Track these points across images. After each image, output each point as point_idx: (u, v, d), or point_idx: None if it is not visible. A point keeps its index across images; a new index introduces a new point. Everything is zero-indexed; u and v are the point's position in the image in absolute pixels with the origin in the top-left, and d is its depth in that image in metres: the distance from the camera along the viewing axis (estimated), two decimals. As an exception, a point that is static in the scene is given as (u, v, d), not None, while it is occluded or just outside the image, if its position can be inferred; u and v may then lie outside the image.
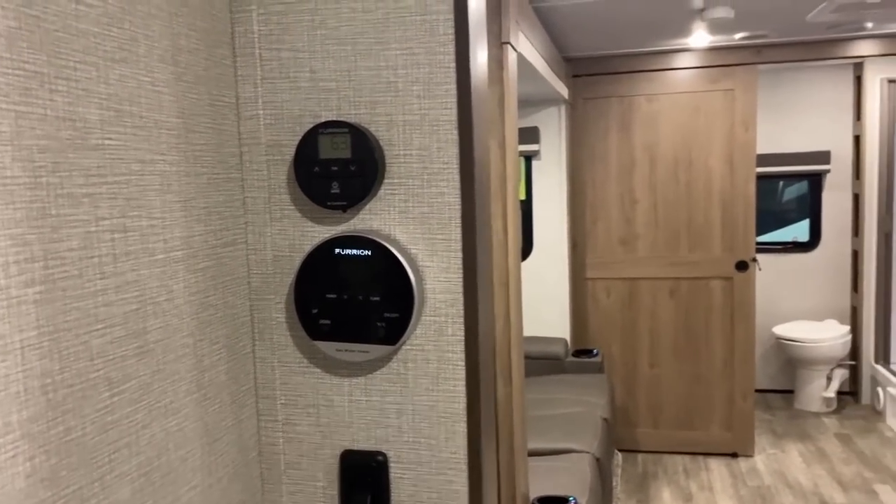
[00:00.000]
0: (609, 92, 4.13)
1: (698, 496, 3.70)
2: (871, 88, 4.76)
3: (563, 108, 4.01)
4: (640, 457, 4.21)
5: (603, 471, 2.95)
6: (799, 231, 5.36)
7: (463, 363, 0.91)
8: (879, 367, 4.78)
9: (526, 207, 4.14)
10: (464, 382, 0.91)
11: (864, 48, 3.76)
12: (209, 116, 0.86)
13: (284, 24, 0.89)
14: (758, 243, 5.23)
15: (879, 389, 4.71)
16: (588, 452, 2.88)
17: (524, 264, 4.12)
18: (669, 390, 4.22)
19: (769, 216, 6.43)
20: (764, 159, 4.98)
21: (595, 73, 4.10)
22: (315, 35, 0.88)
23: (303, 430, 0.96)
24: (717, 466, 4.03)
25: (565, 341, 4.06)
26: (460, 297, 0.90)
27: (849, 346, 4.82)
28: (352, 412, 0.95)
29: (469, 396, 0.91)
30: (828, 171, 5.05)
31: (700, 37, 3.55)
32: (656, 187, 4.14)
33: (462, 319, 0.90)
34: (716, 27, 3.33)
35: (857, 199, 4.98)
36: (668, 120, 4.08)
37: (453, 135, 0.87)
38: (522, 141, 4.02)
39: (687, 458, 4.17)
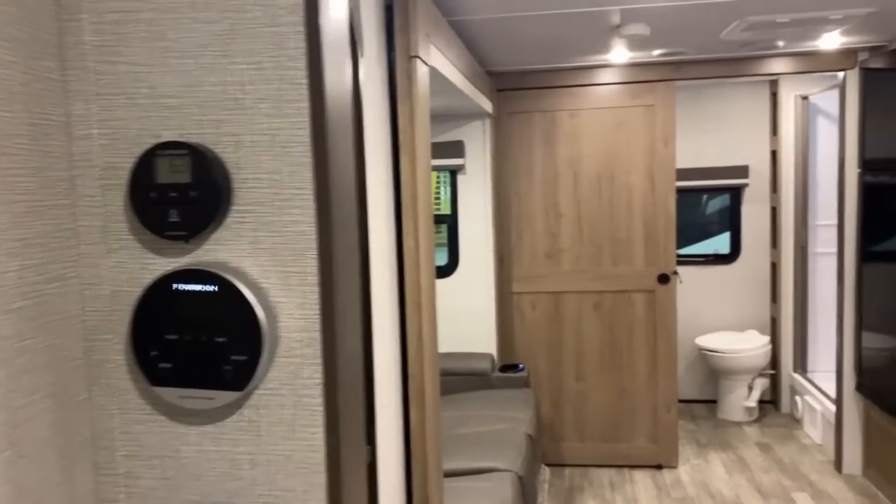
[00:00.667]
0: (533, 107, 4.14)
1: (623, 510, 3.71)
2: (785, 105, 4.92)
3: (487, 122, 3.99)
4: (567, 471, 4.20)
5: (526, 489, 2.92)
6: (720, 243, 5.49)
7: (322, 409, 0.84)
8: (797, 376, 4.91)
9: (452, 222, 4.11)
10: (323, 430, 0.84)
11: (777, 66, 3.87)
12: (28, 136, 0.77)
13: (120, 34, 0.81)
14: (681, 256, 5.34)
15: (797, 398, 4.83)
16: (511, 471, 2.83)
17: (450, 280, 4.09)
18: (595, 404, 4.23)
19: (694, 228, 6.58)
20: (686, 174, 5.08)
21: (519, 88, 4.10)
22: (154, 47, 0.80)
23: (147, 484, 0.88)
24: (641, 479, 4.06)
25: (492, 356, 4.03)
26: (318, 337, 0.82)
27: (769, 355, 4.94)
28: (201, 463, 0.86)
29: (329, 445, 0.83)
30: (746, 185, 5.18)
31: (619, 53, 3.59)
32: (580, 202, 4.16)
33: (320, 361, 0.82)
34: (634, 44, 3.37)
35: (774, 213, 5.13)
36: (591, 135, 4.12)
37: (307, 157, 0.79)
38: (447, 155, 3.99)
39: (613, 470, 4.18)
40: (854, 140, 3.82)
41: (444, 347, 4.13)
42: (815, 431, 4.47)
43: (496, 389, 3.85)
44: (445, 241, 4.18)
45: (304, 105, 0.78)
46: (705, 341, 4.98)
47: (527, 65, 3.92)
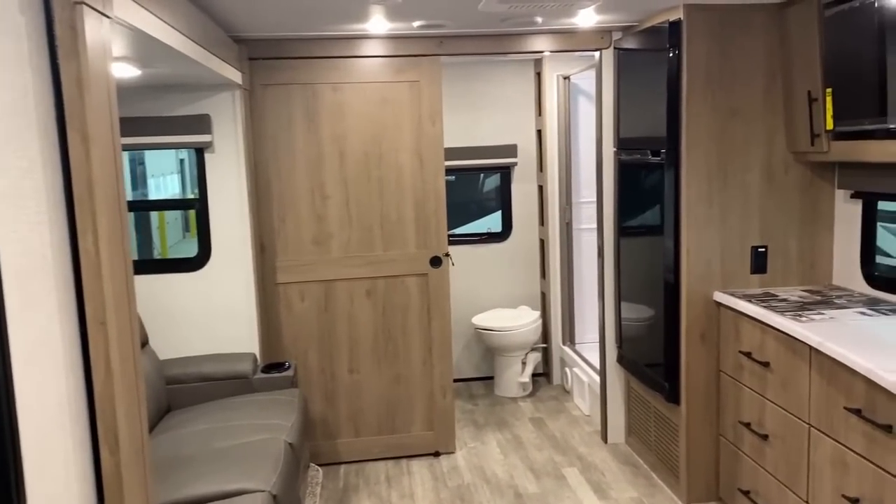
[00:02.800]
0: (291, 78, 3.77)
1: (400, 506, 3.54)
2: (549, 84, 4.98)
3: (237, 94, 3.56)
4: (342, 469, 3.95)
5: (285, 507, 2.61)
6: (494, 222, 5.51)
7: None
8: (566, 349, 5.06)
9: (200, 207, 3.64)
10: None
11: (538, 44, 3.84)
12: None
13: None
14: (455, 236, 5.28)
15: (567, 370, 4.98)
16: (264, 491, 2.51)
17: (201, 273, 3.64)
18: (370, 395, 4.01)
19: (472, 207, 6.60)
20: (458, 152, 5.00)
21: (274, 57, 3.71)
22: None
23: None
24: (419, 469, 3.91)
25: (254, 356, 3.65)
26: None
27: (539, 330, 5.04)
28: None
29: None
30: (515, 164, 5.22)
31: (378, 22, 3.33)
32: (348, 182, 3.88)
33: None
34: (392, 13, 3.13)
35: (541, 191, 5.21)
36: (356, 111, 3.84)
37: None
38: (190, 131, 3.52)
39: (391, 463, 4.00)
40: (610, 119, 3.91)
41: (198, 350, 3.69)
42: (584, 403, 4.62)
43: (259, 393, 3.49)
44: (191, 229, 3.71)
45: None
46: (480, 320, 4.96)
47: (280, 31, 3.54)
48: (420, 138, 3.89)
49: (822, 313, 2.82)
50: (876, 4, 2.64)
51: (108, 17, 1.57)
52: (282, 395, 3.41)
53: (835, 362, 2.42)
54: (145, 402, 1.70)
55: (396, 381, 4.03)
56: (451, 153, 4.80)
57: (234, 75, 3.37)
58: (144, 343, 3.40)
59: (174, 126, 3.52)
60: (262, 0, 2.80)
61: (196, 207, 3.66)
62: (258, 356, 3.72)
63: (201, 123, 3.51)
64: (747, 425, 3.05)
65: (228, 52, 3.25)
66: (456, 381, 4.90)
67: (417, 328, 4.01)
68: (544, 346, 5.21)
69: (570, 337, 5.14)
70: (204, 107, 3.55)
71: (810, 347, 2.58)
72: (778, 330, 2.79)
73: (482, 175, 6.32)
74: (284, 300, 3.91)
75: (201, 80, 3.35)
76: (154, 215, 11.93)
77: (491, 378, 5.23)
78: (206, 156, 3.60)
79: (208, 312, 3.70)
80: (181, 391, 3.48)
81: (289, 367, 3.63)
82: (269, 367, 3.64)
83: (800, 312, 2.84)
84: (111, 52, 1.61)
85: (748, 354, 3.03)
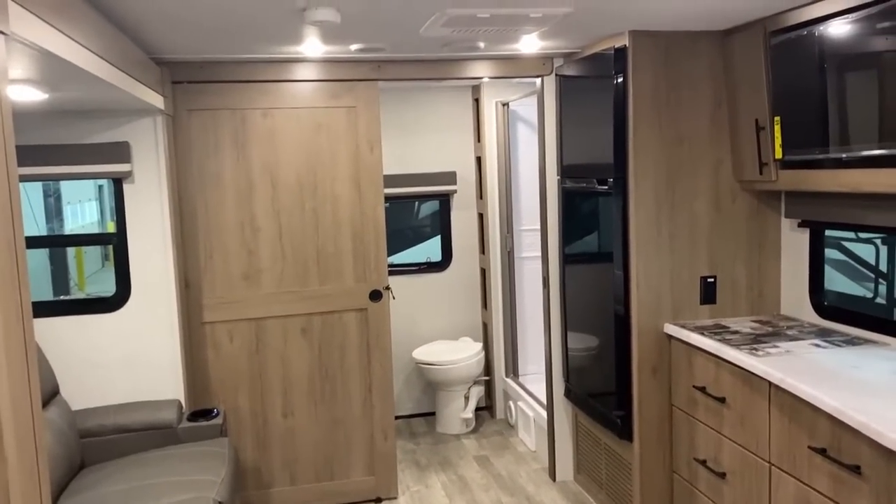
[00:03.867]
0: (219, 104, 3.53)
1: (341, 561, 3.29)
2: (488, 111, 4.88)
3: (160, 119, 3.30)
4: (277, 522, 3.68)
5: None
6: (433, 251, 5.35)
7: None
8: (510, 381, 4.91)
9: (119, 243, 3.34)
10: None
11: (479, 69, 3.72)
12: None
13: None
14: (393, 266, 5.09)
15: (511, 403, 4.83)
16: (191, 562, 2.24)
17: (120, 314, 3.35)
18: (306, 440, 3.75)
19: (408, 232, 6.41)
20: (395, 180, 4.83)
21: (200, 81, 3.47)
22: None
23: None
24: (360, 518, 3.68)
25: (178, 403, 3.35)
26: None
27: (482, 362, 4.88)
28: None
29: None
30: (455, 191, 5.08)
31: (313, 45, 3.14)
32: (280, 213, 3.65)
33: None
34: (328, 35, 2.95)
35: (482, 218, 5.09)
36: (289, 138, 3.63)
37: None
38: (107, 160, 3.23)
39: (330, 512, 3.75)
40: (553, 147, 3.81)
41: (116, 399, 3.37)
42: (529, 438, 4.47)
43: (184, 444, 3.19)
44: (101, 265, 3.40)
45: None
46: (421, 354, 4.77)
47: (207, 53, 3.31)
48: (358, 166, 3.71)
49: (777, 346, 2.75)
50: (816, 34, 2.63)
51: (2, 33, 1.34)
52: (209, 446, 3.13)
53: (797, 399, 2.34)
54: (48, 484, 1.44)
55: (334, 424, 3.79)
56: (389, 180, 4.64)
57: (156, 100, 3.11)
58: (55, 394, 3.07)
59: (89, 154, 3.23)
60: (185, 20, 2.58)
61: (114, 242, 3.36)
62: (183, 403, 3.43)
63: (119, 152, 3.23)
64: (703, 462, 2.95)
65: (149, 74, 3.00)
66: (396, 417, 4.68)
67: (356, 367, 3.78)
68: (487, 378, 5.06)
69: (513, 369, 5.00)
70: (123, 133, 3.27)
71: (770, 383, 2.50)
72: (734, 364, 2.71)
73: (417, 202, 6.16)
74: (212, 340, 3.62)
75: (120, 105, 3.08)
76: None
77: (432, 414, 5.03)
78: (126, 186, 3.31)
79: (128, 356, 3.39)
80: (97, 445, 3.15)
81: (217, 414, 3.35)
82: (196, 415, 3.35)
83: (754, 346, 2.76)
84: (6, 74, 1.37)
85: (702, 389, 2.94)
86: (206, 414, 3.36)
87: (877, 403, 2.11)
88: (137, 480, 2.81)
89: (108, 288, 4.02)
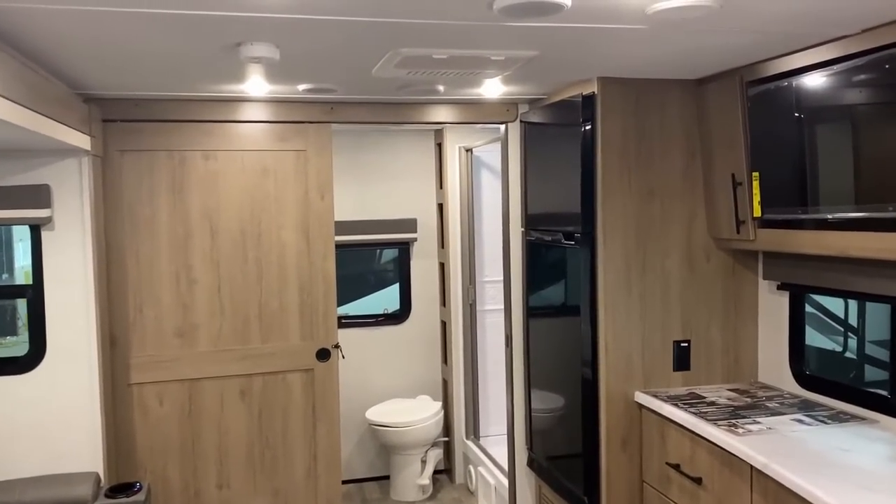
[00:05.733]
0: (156, 144, 3.25)
1: None
2: (450, 157, 4.66)
3: (85, 161, 3.00)
4: None
5: None
6: (390, 302, 5.05)
7: None
8: (470, 444, 4.60)
9: (34, 296, 3.00)
10: None
11: (440, 114, 3.51)
12: None
13: None
14: (347, 318, 4.78)
15: (472, 468, 4.51)
16: None
17: (32, 376, 3.00)
18: (243, 515, 3.40)
19: (367, 279, 6.08)
20: (350, 226, 4.56)
21: (134, 120, 3.19)
22: None
23: None
24: None
25: (96, 476, 2.98)
26: None
27: (441, 423, 4.57)
28: None
29: None
30: (415, 239, 4.82)
31: (257, 84, 2.89)
32: (220, 264, 3.35)
33: None
34: (272, 74, 2.70)
35: (443, 268, 4.83)
36: (232, 182, 3.35)
37: None
38: (23, 204, 2.91)
39: None
40: (517, 196, 3.59)
41: (27, 471, 2.99)
42: (490, 507, 4.15)
43: (98, 525, 2.82)
44: (23, 321, 3.06)
45: None
46: (375, 414, 4.44)
47: (141, 90, 3.03)
48: (307, 214, 3.43)
49: (758, 422, 2.51)
50: (793, 86, 2.45)
51: None
52: (128, 529, 2.77)
53: (783, 487, 2.09)
54: None
55: (275, 497, 3.44)
56: (345, 227, 4.37)
57: (81, 141, 2.82)
58: (-53, 468, 2.69)
59: (8, 199, 2.91)
60: (107, 56, 2.31)
61: (28, 296, 3.02)
62: (102, 475, 3.05)
63: (37, 196, 2.91)
64: (678, 549, 2.68)
65: (71, 113, 2.70)
66: (347, 482, 4.33)
67: (301, 433, 3.46)
68: (446, 440, 4.74)
69: (474, 430, 4.69)
70: (42, 176, 2.96)
71: (752, 467, 2.24)
72: (712, 443, 2.45)
73: (378, 249, 5.88)
74: (139, 404, 3.28)
75: (39, 145, 2.77)
76: None
77: (387, 478, 4.67)
78: (44, 233, 2.98)
79: (41, 423, 3.02)
80: (-3, 526, 2.77)
81: (139, 489, 2.98)
82: (115, 490, 2.97)
83: (733, 421, 2.52)
84: None
85: (676, 466, 2.67)
86: (127, 489, 2.99)
87: (878, 499, 1.87)
88: (35, 574, 2.44)
89: (18, 347, 3.66)
